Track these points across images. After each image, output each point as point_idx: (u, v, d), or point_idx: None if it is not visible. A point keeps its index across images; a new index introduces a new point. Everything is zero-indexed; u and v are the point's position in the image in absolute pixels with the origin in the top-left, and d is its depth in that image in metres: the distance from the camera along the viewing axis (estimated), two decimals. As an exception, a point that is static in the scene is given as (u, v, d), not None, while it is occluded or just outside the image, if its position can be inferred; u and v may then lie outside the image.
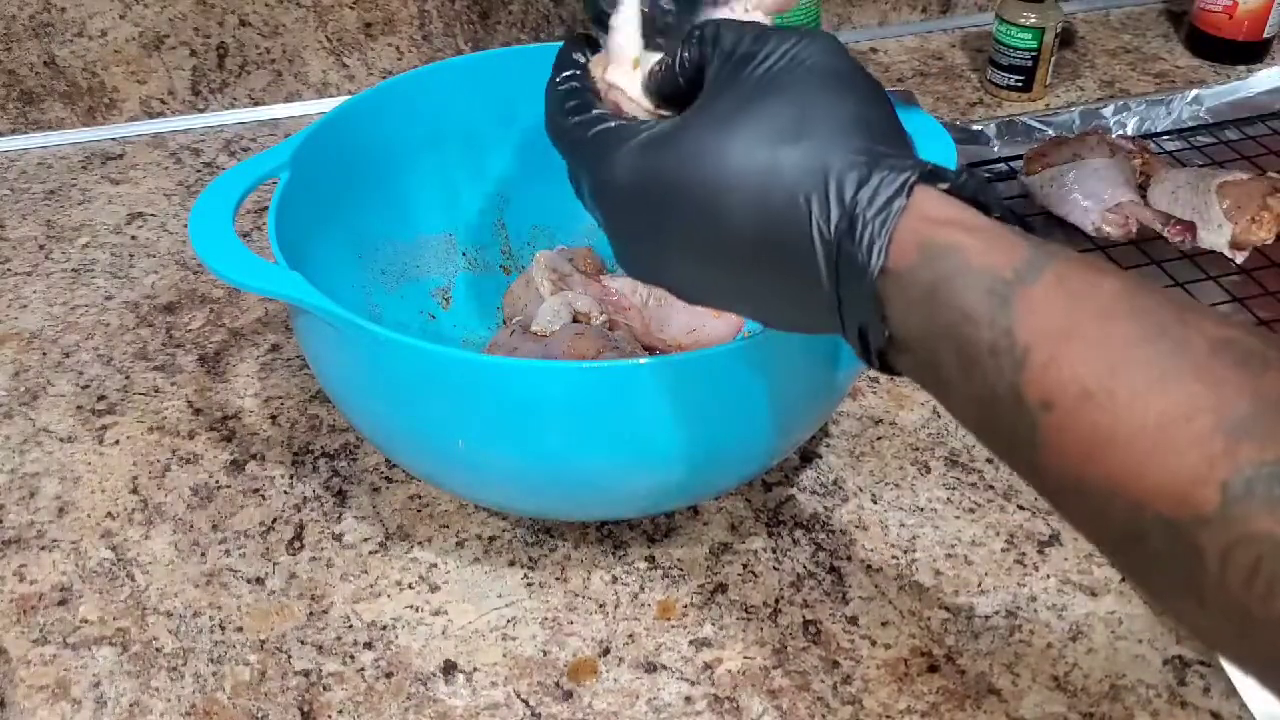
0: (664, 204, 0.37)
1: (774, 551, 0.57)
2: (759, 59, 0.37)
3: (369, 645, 0.53)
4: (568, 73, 0.42)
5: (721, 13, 0.42)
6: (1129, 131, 0.88)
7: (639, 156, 0.38)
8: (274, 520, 0.59)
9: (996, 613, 0.54)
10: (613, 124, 0.40)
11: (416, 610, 0.55)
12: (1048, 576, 0.56)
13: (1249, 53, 0.98)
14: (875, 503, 0.60)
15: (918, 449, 0.63)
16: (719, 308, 0.40)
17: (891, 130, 0.37)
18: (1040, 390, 0.31)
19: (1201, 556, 0.28)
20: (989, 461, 0.62)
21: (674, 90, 0.40)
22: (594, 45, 0.43)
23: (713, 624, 0.54)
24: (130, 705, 0.51)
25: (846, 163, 0.35)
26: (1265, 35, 0.96)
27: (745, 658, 0.52)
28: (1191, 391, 0.29)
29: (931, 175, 0.35)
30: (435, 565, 0.57)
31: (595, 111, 0.41)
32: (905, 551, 0.57)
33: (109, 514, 0.60)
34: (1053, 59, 0.92)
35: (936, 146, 0.57)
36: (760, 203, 0.35)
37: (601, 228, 0.41)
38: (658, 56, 0.41)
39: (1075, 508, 0.32)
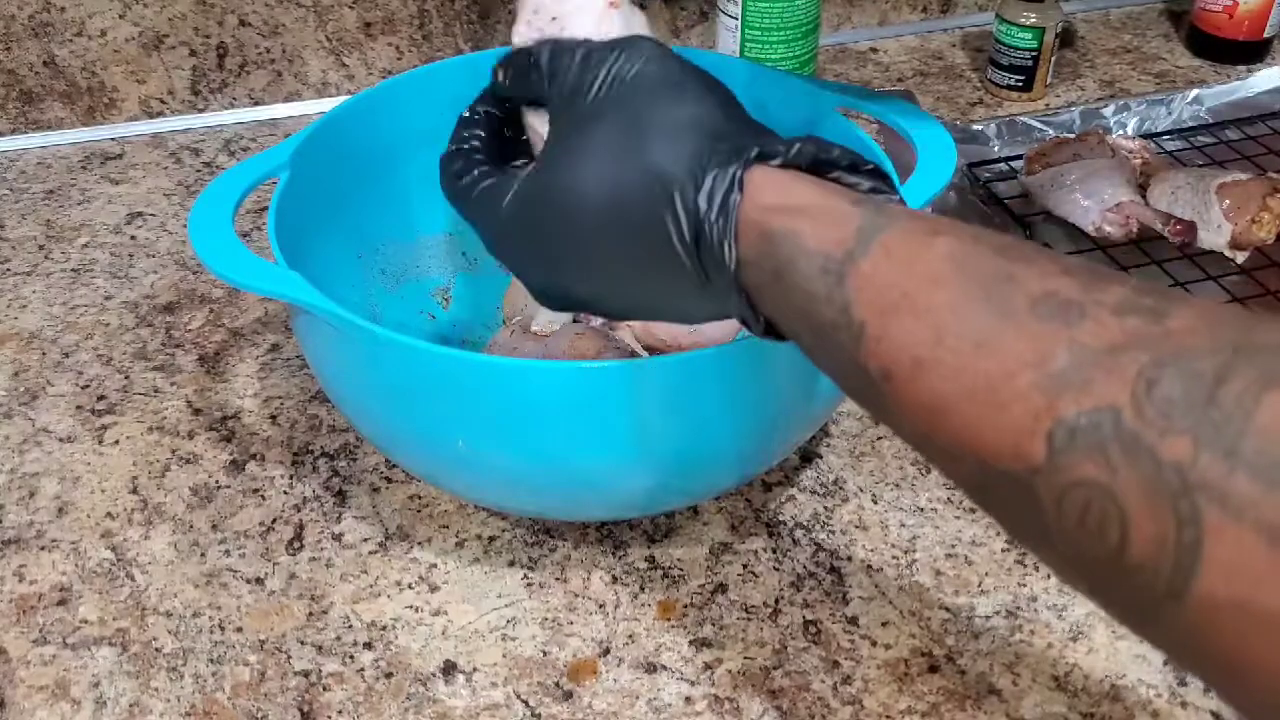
0: (546, 239, 0.41)
1: (774, 552, 0.57)
2: (587, 88, 0.41)
3: (369, 645, 0.53)
4: (454, 147, 0.47)
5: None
6: (1129, 131, 0.88)
7: (514, 204, 0.42)
8: (274, 520, 0.59)
9: (997, 613, 0.54)
10: (492, 180, 0.44)
11: (416, 610, 0.55)
12: (1048, 576, 0.56)
13: (1249, 52, 0.98)
14: (875, 503, 0.60)
15: (918, 449, 0.63)
16: (639, 318, 0.44)
17: (726, 120, 0.39)
18: (878, 361, 0.33)
19: (1040, 504, 0.29)
20: (989, 461, 0.62)
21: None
22: (490, 122, 0.47)
23: (713, 624, 0.54)
24: (130, 705, 0.51)
25: (683, 170, 0.37)
26: (1265, 35, 0.96)
27: (745, 658, 0.52)
28: (1014, 350, 0.30)
29: (760, 156, 0.37)
30: (435, 565, 0.57)
31: (477, 171, 0.45)
32: (905, 551, 0.57)
33: (109, 514, 0.60)
34: (1053, 59, 0.92)
35: (937, 147, 0.57)
36: (623, 224, 0.39)
37: (508, 270, 0.46)
38: None
39: (934, 461, 0.34)
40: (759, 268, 0.36)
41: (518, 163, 0.47)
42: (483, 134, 0.47)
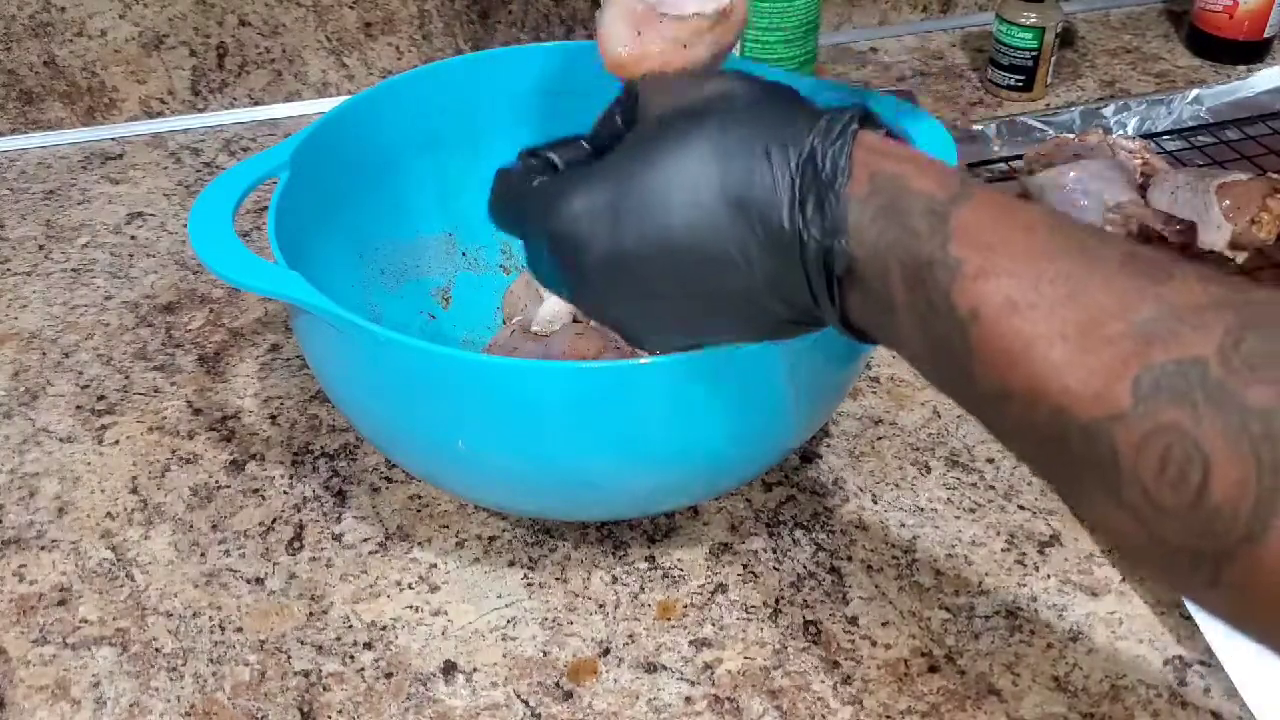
0: (626, 195, 0.39)
1: (774, 552, 0.57)
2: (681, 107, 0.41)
3: (369, 645, 0.53)
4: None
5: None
6: (1129, 131, 0.88)
7: (589, 179, 0.40)
8: (274, 520, 0.59)
9: (997, 613, 0.54)
10: (554, 176, 0.42)
11: (416, 610, 0.55)
12: (1048, 577, 0.56)
13: (1249, 52, 0.98)
14: (875, 503, 0.60)
15: (918, 449, 0.63)
16: (680, 338, 0.42)
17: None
18: (969, 299, 0.33)
19: (1116, 453, 0.30)
20: (989, 461, 0.62)
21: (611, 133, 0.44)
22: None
23: (713, 624, 0.54)
24: (130, 705, 0.51)
25: (800, 114, 0.38)
26: (1265, 35, 0.96)
27: (745, 658, 0.52)
28: (1103, 300, 0.32)
29: (867, 118, 0.38)
30: (435, 565, 0.57)
31: (536, 178, 0.43)
32: (905, 552, 0.57)
33: (108, 514, 0.60)
34: (1053, 59, 0.92)
35: (937, 146, 0.56)
36: (722, 162, 0.38)
37: (564, 285, 0.42)
38: None
39: (1003, 416, 0.34)
40: (862, 205, 0.36)
41: None
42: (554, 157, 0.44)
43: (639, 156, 0.39)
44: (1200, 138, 0.87)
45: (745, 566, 0.57)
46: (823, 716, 0.50)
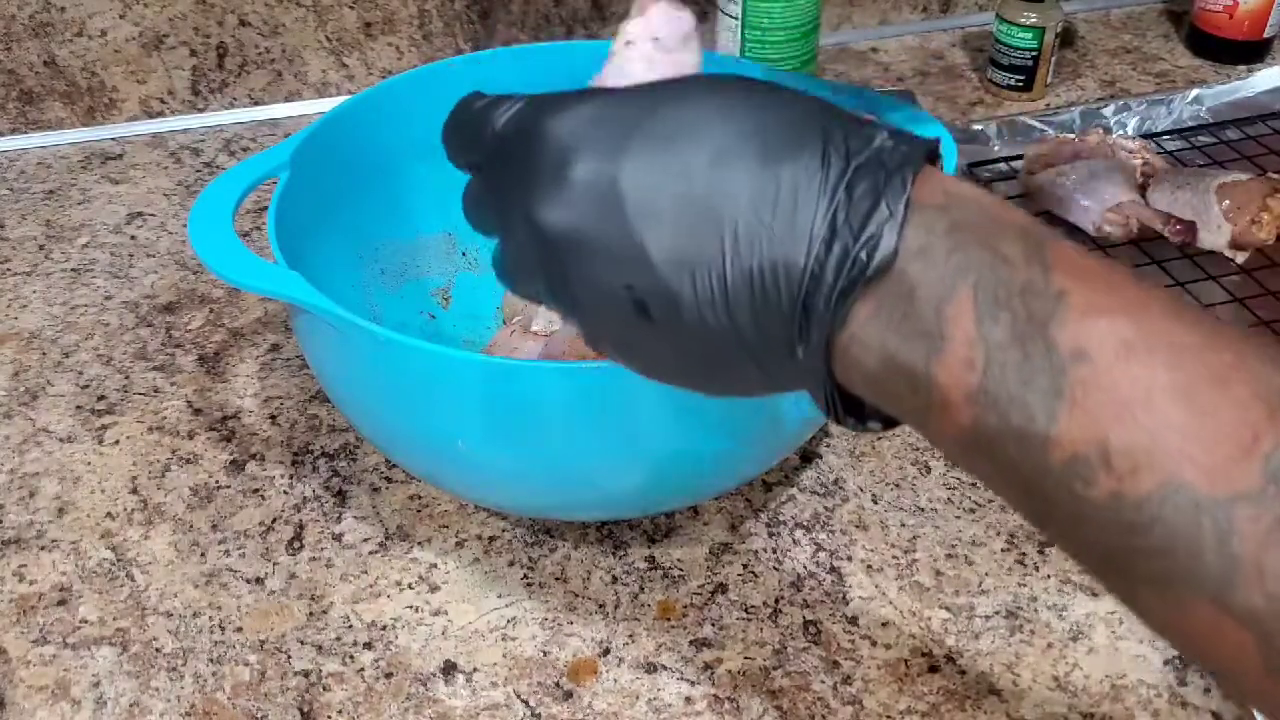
0: (639, 117, 0.32)
1: (774, 551, 0.57)
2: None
3: (369, 645, 0.53)
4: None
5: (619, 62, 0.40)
6: (1130, 131, 0.88)
7: (591, 95, 0.33)
8: (274, 520, 0.59)
9: (997, 613, 0.54)
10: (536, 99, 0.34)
11: (416, 610, 0.55)
12: (1048, 576, 0.56)
13: (1249, 52, 0.97)
14: (875, 503, 0.60)
15: (918, 449, 0.63)
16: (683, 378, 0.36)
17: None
18: (1075, 337, 0.28)
19: (1235, 543, 0.25)
20: (989, 461, 0.62)
21: None
22: None
23: (713, 624, 0.54)
24: (130, 705, 0.51)
25: (852, 120, 0.32)
26: (1266, 35, 0.96)
27: (745, 658, 0.52)
28: (1226, 358, 0.27)
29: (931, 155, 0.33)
30: (435, 565, 0.57)
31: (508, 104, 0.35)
32: (905, 551, 0.57)
33: (108, 514, 0.60)
34: (1053, 59, 0.92)
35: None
36: (766, 121, 0.31)
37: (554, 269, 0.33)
38: None
39: (1078, 491, 0.28)
40: (934, 216, 0.30)
41: None
42: None
43: (660, 90, 0.32)
44: (1200, 138, 0.87)
45: (745, 566, 0.57)
46: (823, 717, 0.50)
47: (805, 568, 0.57)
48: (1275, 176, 0.74)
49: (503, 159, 0.34)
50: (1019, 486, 0.29)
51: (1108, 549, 0.28)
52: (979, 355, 0.29)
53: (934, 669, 0.52)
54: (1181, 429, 0.26)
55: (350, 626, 0.54)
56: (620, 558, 0.57)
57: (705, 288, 0.31)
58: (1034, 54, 0.91)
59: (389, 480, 0.61)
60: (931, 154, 0.32)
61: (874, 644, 0.53)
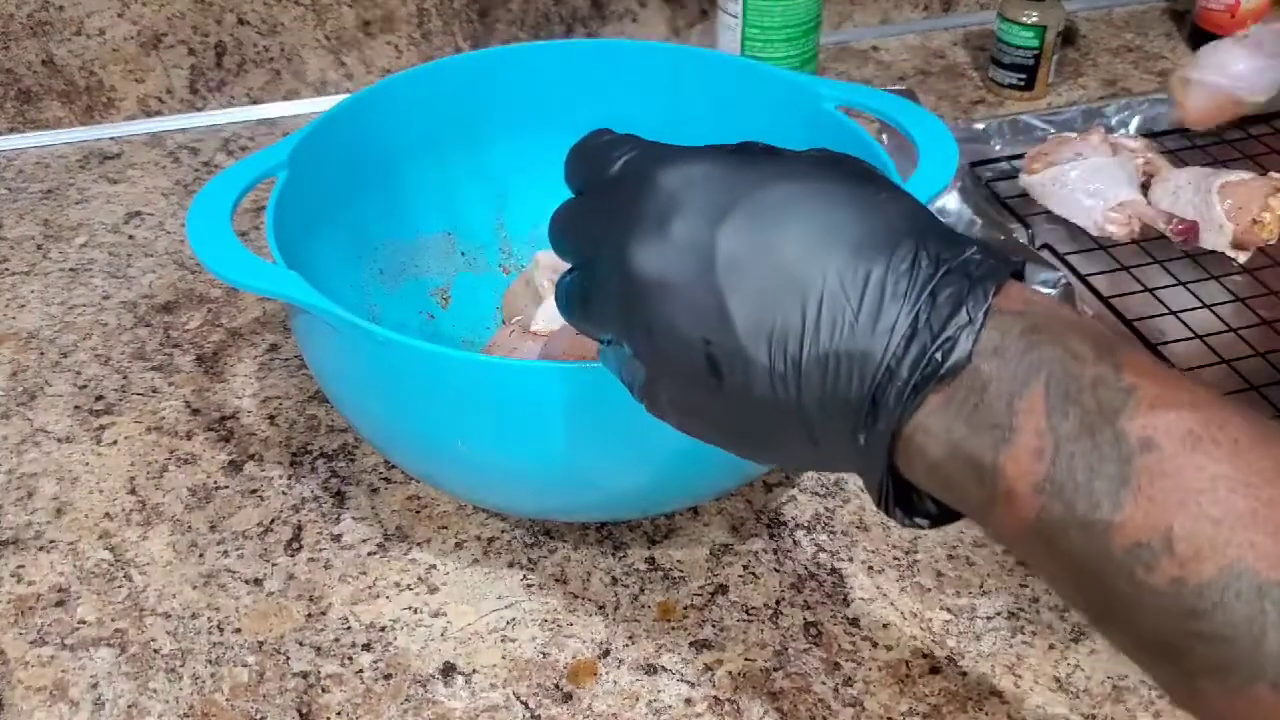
0: (745, 187, 0.34)
1: (775, 552, 0.57)
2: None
3: (367, 647, 0.53)
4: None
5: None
6: (1131, 130, 0.87)
7: (710, 153, 0.35)
8: (272, 521, 0.59)
9: (998, 614, 0.54)
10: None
11: (415, 612, 0.55)
12: (1050, 577, 0.56)
13: (1251, 51, 0.97)
14: (876, 503, 0.60)
15: (919, 449, 0.62)
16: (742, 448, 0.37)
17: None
18: (1143, 427, 0.29)
19: None
20: (991, 462, 0.62)
21: None
22: None
23: (713, 625, 0.54)
24: (128, 707, 0.51)
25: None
26: (1267, 34, 0.96)
27: (746, 659, 0.52)
28: None
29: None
30: (434, 566, 0.57)
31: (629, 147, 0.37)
32: (907, 553, 0.57)
33: (107, 514, 0.60)
34: (1055, 57, 0.92)
35: (938, 145, 0.56)
36: (864, 214, 0.33)
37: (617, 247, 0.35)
38: None
39: (1139, 578, 0.29)
40: (1011, 321, 0.31)
41: None
42: None
43: (773, 162, 0.34)
44: (1202, 137, 0.87)
45: (746, 567, 0.56)
46: (824, 718, 0.50)
47: (806, 569, 0.56)
48: (1277, 176, 0.74)
49: (613, 195, 0.36)
50: (1079, 575, 0.30)
51: (1167, 637, 0.29)
52: (1048, 445, 0.30)
53: (935, 670, 0.52)
54: (1244, 517, 0.27)
55: (349, 628, 0.54)
56: (620, 559, 0.57)
57: (780, 360, 0.33)
58: (1036, 53, 0.90)
59: (388, 481, 0.61)
60: (1017, 273, 0.33)
61: (875, 645, 0.53)
